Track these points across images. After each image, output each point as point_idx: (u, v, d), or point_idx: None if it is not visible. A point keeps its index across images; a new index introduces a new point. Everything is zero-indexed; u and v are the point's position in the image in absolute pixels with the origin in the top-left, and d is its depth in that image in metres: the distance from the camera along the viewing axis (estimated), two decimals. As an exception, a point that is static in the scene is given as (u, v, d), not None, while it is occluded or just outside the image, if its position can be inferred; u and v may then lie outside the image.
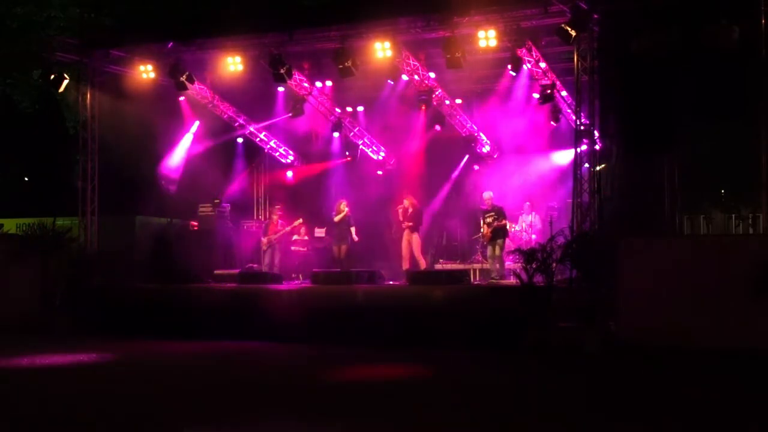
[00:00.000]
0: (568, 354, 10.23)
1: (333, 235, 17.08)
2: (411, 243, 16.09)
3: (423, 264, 16.14)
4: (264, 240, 17.58)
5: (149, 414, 7.13)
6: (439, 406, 7.48)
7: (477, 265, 16.87)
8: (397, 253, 16.73)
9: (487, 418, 6.89)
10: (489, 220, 15.36)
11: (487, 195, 15.78)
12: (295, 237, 17.77)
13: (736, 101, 12.48)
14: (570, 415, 6.97)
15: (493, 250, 15.31)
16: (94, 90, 16.31)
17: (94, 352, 10.76)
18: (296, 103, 17.97)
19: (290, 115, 18.19)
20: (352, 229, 16.70)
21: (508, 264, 15.46)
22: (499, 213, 15.32)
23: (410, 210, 16.13)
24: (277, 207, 18.32)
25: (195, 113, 18.35)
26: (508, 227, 15.72)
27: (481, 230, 15.76)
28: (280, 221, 17.64)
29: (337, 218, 16.70)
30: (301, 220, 17.75)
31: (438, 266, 17.18)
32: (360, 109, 19.21)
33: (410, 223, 16.07)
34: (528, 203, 16.93)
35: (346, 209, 16.70)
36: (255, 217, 20.27)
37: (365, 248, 17.36)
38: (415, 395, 8.01)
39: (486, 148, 18.82)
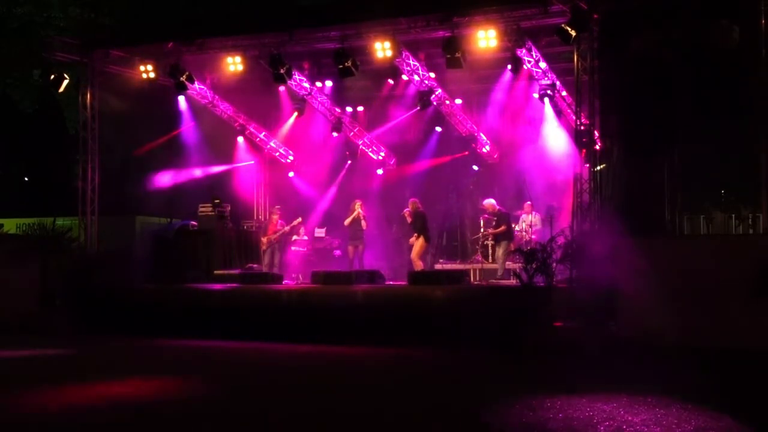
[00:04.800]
0: (568, 354, 10.22)
1: (346, 235, 17.08)
2: (414, 245, 16.09)
3: (418, 267, 16.10)
4: (264, 240, 17.57)
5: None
6: (437, 406, 7.48)
7: (477, 265, 16.87)
8: (398, 252, 16.71)
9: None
10: (494, 224, 15.88)
11: (488, 202, 16.14)
12: (295, 237, 17.76)
13: (736, 101, 12.46)
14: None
15: (497, 252, 15.75)
16: (94, 90, 16.33)
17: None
18: (296, 103, 17.97)
19: (296, 114, 18.24)
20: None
21: (509, 264, 15.47)
22: (500, 219, 15.58)
23: (412, 214, 16.11)
24: (276, 207, 18.31)
25: (194, 112, 18.34)
26: (513, 230, 15.96)
27: (481, 230, 15.84)
28: (279, 221, 17.63)
29: (347, 221, 16.73)
30: (300, 220, 17.75)
31: (438, 266, 17.18)
32: (360, 109, 19.18)
33: (413, 226, 16.04)
34: (529, 203, 16.91)
35: (359, 209, 16.70)
36: (255, 217, 20.26)
37: (366, 248, 17.33)
38: (413, 395, 8.01)
39: (486, 148, 18.81)
